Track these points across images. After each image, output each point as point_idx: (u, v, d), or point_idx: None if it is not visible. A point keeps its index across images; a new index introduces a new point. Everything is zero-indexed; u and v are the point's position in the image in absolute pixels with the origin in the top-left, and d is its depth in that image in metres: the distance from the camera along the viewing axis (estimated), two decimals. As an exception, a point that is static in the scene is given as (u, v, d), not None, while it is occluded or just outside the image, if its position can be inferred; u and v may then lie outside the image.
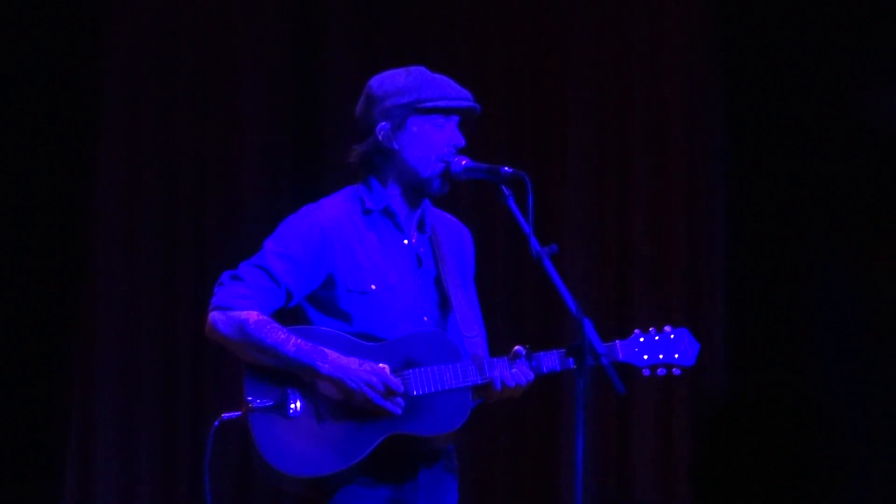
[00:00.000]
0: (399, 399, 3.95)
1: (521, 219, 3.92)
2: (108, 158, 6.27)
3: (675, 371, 4.13)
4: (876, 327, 5.79)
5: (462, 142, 4.08)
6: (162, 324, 6.24)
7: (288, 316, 4.07)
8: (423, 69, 4.14)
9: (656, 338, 4.14)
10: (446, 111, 4.07)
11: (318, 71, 6.40)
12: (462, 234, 4.26)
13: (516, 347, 4.06)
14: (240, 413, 3.95)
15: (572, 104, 6.19)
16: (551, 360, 4.04)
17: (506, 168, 4.00)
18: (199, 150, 6.33)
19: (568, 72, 6.20)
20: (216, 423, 3.99)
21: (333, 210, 4.09)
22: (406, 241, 4.12)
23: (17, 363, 6.13)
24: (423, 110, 4.06)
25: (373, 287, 4.04)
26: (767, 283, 5.94)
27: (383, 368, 3.96)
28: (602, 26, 6.19)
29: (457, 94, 4.10)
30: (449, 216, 4.26)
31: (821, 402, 5.49)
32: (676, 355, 4.12)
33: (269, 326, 3.94)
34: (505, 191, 3.98)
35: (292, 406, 3.94)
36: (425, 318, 4.10)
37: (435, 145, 4.06)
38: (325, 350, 3.94)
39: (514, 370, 4.00)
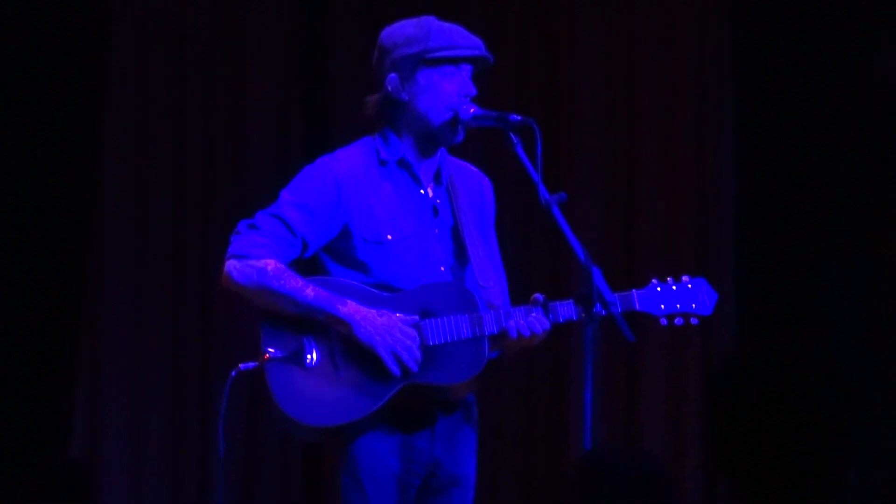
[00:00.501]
0: (415, 351, 3.94)
1: (529, 166, 3.92)
2: (115, 133, 6.23)
3: (693, 321, 4.10)
4: (888, 293, 5.78)
5: (473, 91, 4.05)
6: (169, 286, 6.23)
7: (306, 267, 4.07)
8: (433, 18, 4.11)
9: (674, 287, 4.10)
10: (455, 60, 4.04)
11: (326, 33, 6.37)
12: (482, 184, 4.24)
13: (535, 295, 4.03)
14: (256, 363, 3.95)
15: (582, 62, 6.16)
16: (568, 309, 3.98)
17: (514, 115, 3.99)
18: (208, 120, 6.29)
19: (578, 31, 6.17)
20: (233, 372, 3.98)
21: (349, 161, 4.08)
22: (423, 192, 4.10)
23: (23, 343, 6.13)
24: (431, 60, 4.03)
25: (389, 237, 4.03)
26: (777, 242, 5.92)
27: (400, 319, 3.95)
28: (611, 12, 6.15)
29: (467, 42, 4.07)
30: (469, 166, 4.24)
31: (831, 365, 5.49)
32: (694, 305, 4.08)
33: (286, 274, 3.94)
34: (514, 138, 3.98)
35: (309, 355, 3.94)
36: (442, 269, 4.08)
37: (445, 95, 4.03)
38: (345, 298, 3.94)
39: (530, 319, 3.97)
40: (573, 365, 5.92)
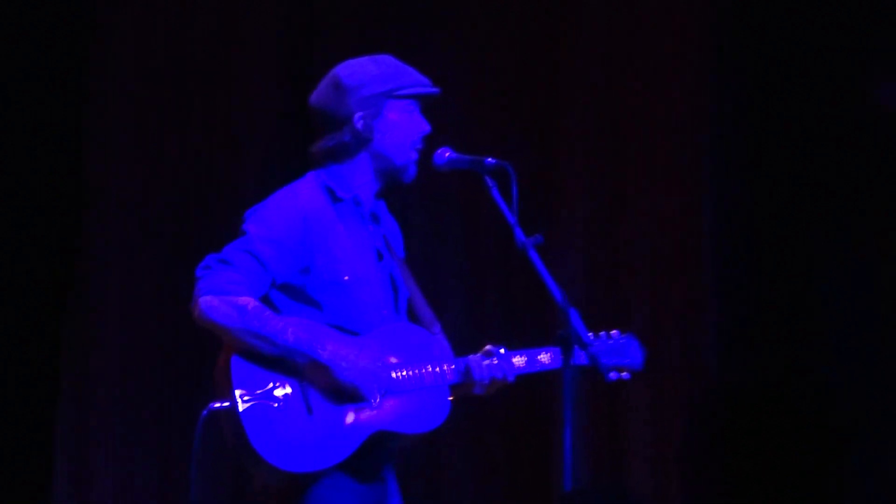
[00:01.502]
0: (391, 395, 3.95)
1: (505, 209, 3.92)
2: (101, 130, 6.27)
3: (625, 375, 4.20)
4: (872, 318, 5.79)
5: (429, 128, 4.11)
6: (160, 317, 6.24)
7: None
8: (389, 57, 4.15)
9: (607, 342, 4.22)
10: (418, 98, 4.10)
11: (310, 65, 6.40)
12: (398, 233, 4.28)
13: (488, 346, 4.11)
14: (228, 402, 3.88)
15: (567, 101, 6.18)
16: (521, 363, 4.12)
17: (489, 159, 4.00)
18: (197, 118, 6.33)
19: (564, 71, 6.20)
20: (204, 412, 3.92)
21: (310, 197, 4.07)
22: (369, 234, 4.13)
23: (8, 356, 6.14)
24: (400, 98, 4.08)
25: (345, 278, 4.03)
26: (759, 273, 5.95)
27: (376, 361, 3.96)
28: (598, 27, 6.18)
29: (425, 80, 4.13)
30: (388, 213, 4.26)
31: (815, 393, 5.51)
32: (627, 360, 4.19)
33: (266, 314, 3.89)
34: (489, 182, 3.98)
35: (282, 396, 3.90)
36: (384, 312, 4.10)
37: (409, 132, 4.08)
38: (325, 341, 3.91)
39: (495, 368, 4.05)
40: (554, 404, 5.92)
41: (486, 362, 4.05)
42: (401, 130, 4.08)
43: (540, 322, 5.95)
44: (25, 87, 6.21)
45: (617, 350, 4.21)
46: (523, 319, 6.05)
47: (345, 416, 3.93)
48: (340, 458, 3.92)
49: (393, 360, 4.00)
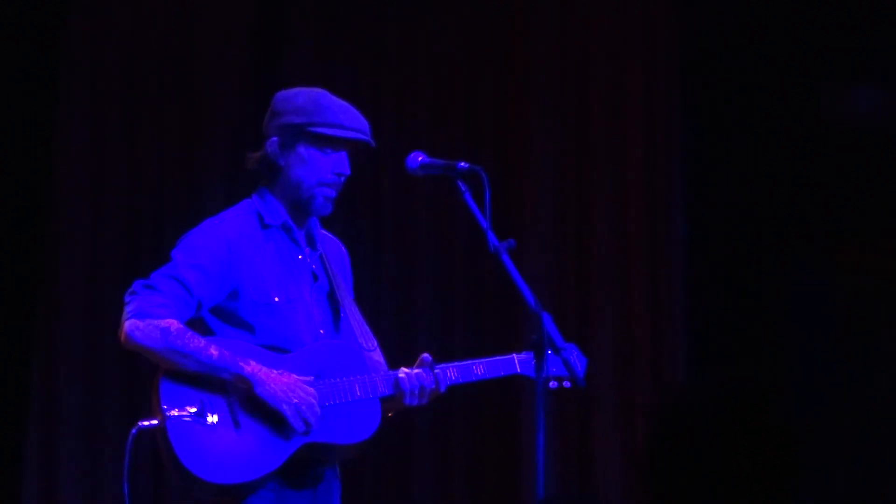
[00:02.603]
0: (315, 409, 3.98)
1: (478, 213, 3.92)
2: (67, 131, 6.24)
3: (566, 384, 4.20)
4: (837, 323, 5.81)
5: (348, 171, 4.13)
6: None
7: (190, 327, 4.06)
8: (324, 93, 4.18)
9: (549, 352, 4.21)
10: (335, 141, 4.12)
11: (279, 68, 6.39)
12: (342, 251, 4.33)
13: (423, 356, 4.15)
14: (157, 421, 3.92)
15: (533, 104, 6.18)
16: (453, 372, 4.15)
17: (462, 163, 4.00)
18: (161, 141, 6.31)
19: (529, 72, 6.20)
20: (133, 430, 3.93)
21: (236, 224, 4.14)
22: (300, 256, 4.18)
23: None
24: (312, 135, 4.11)
25: (276, 299, 4.09)
26: (729, 279, 5.95)
27: (299, 379, 3.99)
28: (563, 25, 6.19)
29: (352, 124, 4.14)
30: (328, 234, 4.31)
31: (784, 403, 5.51)
32: (565, 370, 4.12)
33: (188, 334, 3.97)
34: (461, 186, 3.99)
35: (209, 413, 3.95)
36: (321, 331, 4.15)
37: (317, 171, 4.11)
38: (247, 357, 3.98)
39: (424, 380, 4.10)
40: (524, 411, 5.92)
41: (416, 372, 4.11)
42: (308, 166, 4.12)
43: (509, 328, 5.95)
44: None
45: (558, 360, 4.21)
46: (492, 326, 6.04)
47: (271, 429, 3.98)
48: (269, 470, 3.96)
49: (321, 374, 4.04)
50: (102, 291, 6.22)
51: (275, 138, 4.12)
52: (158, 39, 6.36)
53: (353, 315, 4.20)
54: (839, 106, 5.86)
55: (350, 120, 4.13)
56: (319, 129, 4.09)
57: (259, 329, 4.06)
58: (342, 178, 4.13)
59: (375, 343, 4.21)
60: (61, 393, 6.14)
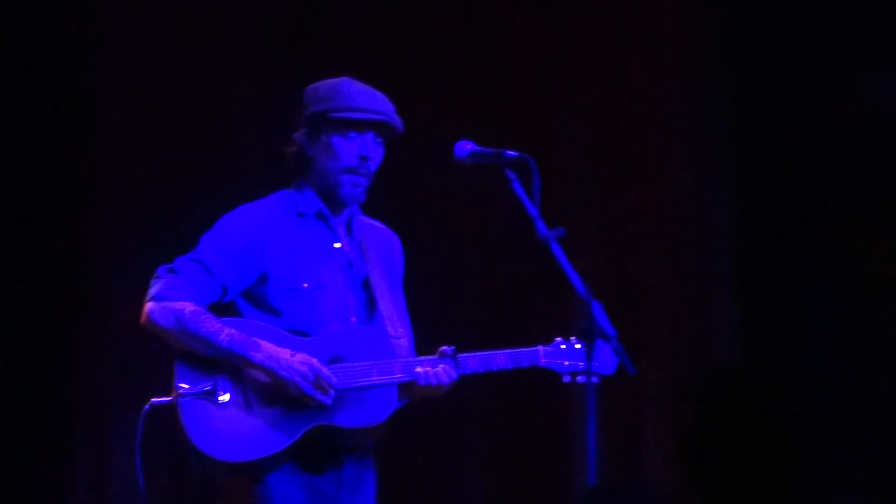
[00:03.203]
0: (328, 390, 4.01)
1: (527, 202, 3.92)
2: (111, 133, 6.26)
3: (594, 379, 4.15)
4: (867, 321, 5.79)
5: (369, 152, 4.14)
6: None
7: (220, 309, 4.14)
8: (346, 80, 4.21)
9: (577, 346, 4.27)
10: (355, 124, 4.14)
11: (312, 64, 6.39)
12: (392, 242, 4.36)
13: (442, 347, 4.16)
14: (170, 398, 4.03)
15: (577, 91, 6.17)
16: (474, 362, 4.16)
17: (510, 152, 4.01)
18: (200, 116, 6.32)
19: (572, 58, 6.18)
20: (146, 406, 4.06)
21: (268, 210, 4.19)
22: (338, 245, 4.21)
23: (25, 353, 6.14)
24: (333, 121, 4.13)
25: (304, 285, 4.13)
26: (777, 272, 5.93)
27: (314, 360, 4.02)
28: (604, 8, 6.16)
29: (370, 106, 4.15)
30: (379, 224, 4.34)
31: (830, 391, 5.51)
32: (596, 365, 4.10)
33: (203, 317, 4.03)
34: (510, 174, 3.99)
35: (221, 393, 4.01)
36: (353, 319, 4.18)
37: (342, 156, 4.14)
38: (258, 341, 4.02)
39: (438, 369, 4.11)
40: (574, 399, 5.90)
41: (432, 360, 4.13)
42: (332, 153, 4.15)
43: (553, 318, 5.94)
44: (31, 87, 6.21)
45: (583, 355, 4.21)
46: (535, 316, 6.03)
47: (283, 410, 4.02)
48: (278, 448, 4.00)
49: (338, 358, 4.07)
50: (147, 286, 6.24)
51: (303, 130, 4.18)
52: (186, 32, 6.36)
53: (389, 303, 4.21)
54: (891, 92, 5.83)
55: (370, 102, 4.15)
56: (338, 115, 4.13)
57: (286, 314, 4.11)
58: (368, 162, 4.14)
59: (406, 331, 4.23)
60: (111, 386, 6.17)
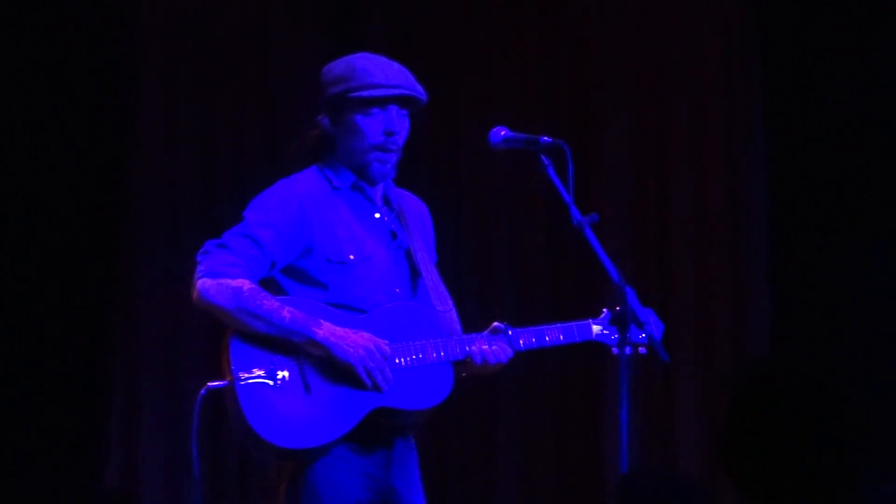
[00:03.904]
0: (388, 373, 3.94)
1: (561, 188, 3.90)
2: (145, 141, 6.29)
3: (641, 350, 4.09)
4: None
5: (394, 127, 4.07)
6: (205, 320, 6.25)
7: (262, 286, 4.04)
8: (362, 55, 4.15)
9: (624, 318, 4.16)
10: (377, 101, 4.07)
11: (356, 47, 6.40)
12: (423, 211, 4.28)
13: (495, 323, 4.10)
14: (226, 382, 3.91)
15: (611, 79, 6.16)
16: (528, 337, 4.09)
17: (545, 138, 3.99)
18: (237, 123, 6.35)
19: (607, 48, 6.17)
20: (202, 391, 3.94)
21: (307, 183, 4.11)
22: (378, 215, 4.14)
23: (58, 344, 6.17)
24: (353, 101, 4.07)
25: (351, 257, 4.04)
26: (809, 260, 5.90)
27: (375, 338, 3.95)
28: (641, 12, 6.14)
29: (390, 81, 4.08)
30: (408, 193, 4.27)
31: (866, 383, 5.48)
32: (642, 335, 4.02)
33: (262, 295, 3.93)
34: (544, 160, 3.97)
35: (280, 375, 3.92)
36: (397, 290, 4.10)
37: (367, 135, 4.07)
38: (320, 320, 3.93)
39: (494, 347, 4.04)
40: (608, 387, 5.90)
41: (487, 336, 4.06)
42: (357, 132, 4.08)
43: (586, 302, 5.92)
44: (69, 93, 6.24)
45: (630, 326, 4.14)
46: (569, 300, 6.02)
47: (342, 393, 3.93)
48: (337, 435, 3.92)
49: (394, 337, 3.99)
50: (182, 265, 6.27)
51: (324, 112, 4.12)
52: (232, 19, 6.38)
53: (431, 274, 4.15)
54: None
55: (389, 77, 4.08)
56: (358, 94, 4.05)
57: (332, 287, 4.02)
58: (395, 137, 4.07)
59: (451, 304, 4.15)
60: (142, 368, 6.20)
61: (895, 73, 5.81)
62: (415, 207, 4.25)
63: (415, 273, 4.15)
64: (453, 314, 4.15)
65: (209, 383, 3.93)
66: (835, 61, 5.86)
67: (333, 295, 4.02)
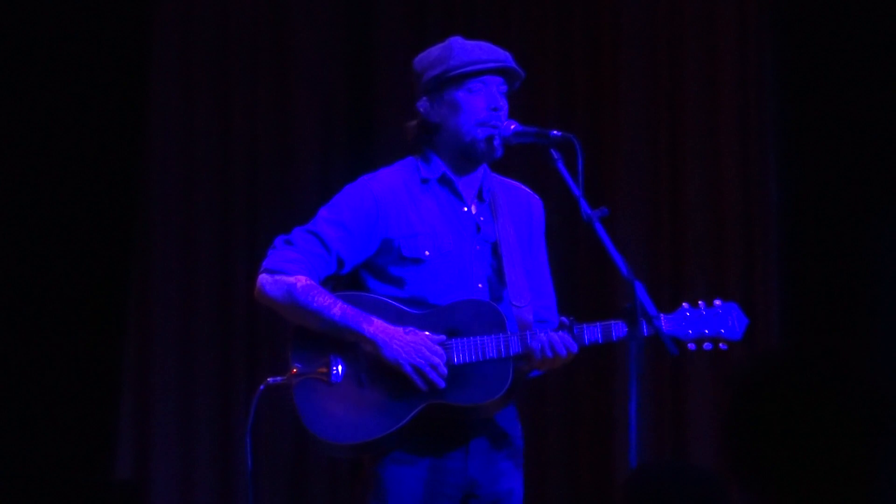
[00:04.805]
0: (441, 369, 3.94)
1: (570, 182, 3.90)
2: (160, 134, 6.31)
3: (722, 346, 4.07)
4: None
5: (501, 103, 4.06)
6: (216, 301, 6.27)
7: (347, 283, 4.10)
8: (457, 39, 4.14)
9: (703, 312, 4.09)
10: (478, 74, 4.06)
11: (371, 42, 6.40)
12: (531, 203, 4.24)
13: (562, 318, 4.06)
14: (283, 378, 3.97)
15: (625, 75, 6.14)
16: (594, 332, 4.01)
17: (555, 131, 3.99)
18: (252, 122, 6.35)
19: (621, 43, 6.16)
20: (261, 386, 3.99)
21: (389, 178, 4.11)
22: (465, 209, 4.12)
23: (71, 343, 6.18)
24: (454, 78, 4.06)
25: (427, 253, 4.05)
26: (821, 253, 5.89)
27: (428, 337, 3.95)
28: (654, 27, 6.13)
29: (488, 56, 4.08)
30: (517, 184, 4.25)
31: (876, 377, 5.45)
32: (723, 330, 4.06)
33: (315, 290, 3.96)
34: (554, 154, 3.97)
35: (334, 371, 3.95)
36: (480, 285, 4.08)
37: (472, 111, 4.05)
38: (371, 316, 3.95)
39: (555, 340, 3.97)
40: (617, 380, 5.90)
41: (548, 332, 3.99)
42: (460, 110, 4.06)
43: (601, 300, 5.92)
44: (84, 93, 6.25)
45: (713, 320, 4.08)
46: (583, 294, 6.02)
47: (395, 390, 3.95)
48: (389, 430, 3.93)
49: (456, 331, 3.98)
50: (196, 263, 6.28)
51: (423, 98, 4.10)
52: (249, 15, 6.39)
53: (517, 268, 4.10)
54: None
55: (485, 53, 4.08)
56: (457, 71, 4.05)
57: (409, 283, 4.04)
58: (499, 112, 4.05)
59: (528, 299, 4.09)
60: (155, 369, 6.21)
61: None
62: (517, 198, 4.22)
63: (500, 267, 4.11)
64: (529, 311, 4.08)
65: (269, 378, 4.00)
66: (848, 49, 5.84)
67: (409, 291, 4.04)
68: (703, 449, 5.89)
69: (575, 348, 3.98)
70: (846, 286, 5.82)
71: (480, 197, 4.14)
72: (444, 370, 3.94)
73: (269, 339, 6.17)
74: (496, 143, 4.06)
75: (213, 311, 6.25)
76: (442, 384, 3.93)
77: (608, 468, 5.96)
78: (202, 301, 6.26)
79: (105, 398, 6.17)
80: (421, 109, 4.10)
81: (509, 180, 4.24)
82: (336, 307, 3.94)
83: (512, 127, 4.05)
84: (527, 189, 4.26)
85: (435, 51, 4.13)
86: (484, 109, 4.05)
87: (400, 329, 3.95)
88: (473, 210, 4.13)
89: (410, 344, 3.93)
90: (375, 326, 3.93)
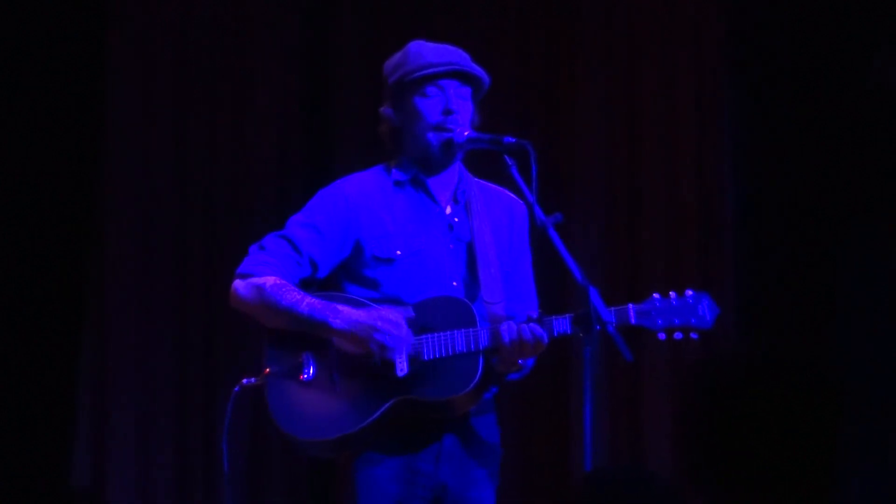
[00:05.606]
0: (407, 334, 3.93)
1: (524, 188, 3.92)
2: (117, 140, 6.28)
3: (692, 335, 4.05)
4: (889, 303, 5.78)
5: (456, 107, 4.07)
6: (173, 306, 6.26)
7: (323, 287, 4.11)
8: (415, 42, 4.16)
9: (674, 302, 4.07)
10: (432, 78, 4.07)
11: (330, 50, 6.40)
12: (512, 207, 4.23)
13: (529, 313, 4.04)
14: (257, 379, 3.99)
15: (582, 78, 6.16)
16: (562, 324, 3.96)
17: (508, 137, 3.99)
18: (210, 133, 6.34)
19: (578, 46, 6.18)
20: (236, 388, 4.01)
21: (362, 181, 4.14)
22: (438, 209, 4.13)
23: (26, 348, 6.16)
24: (410, 83, 4.08)
25: (398, 253, 4.06)
26: (779, 253, 5.92)
27: (388, 311, 3.95)
28: (615, 11, 6.15)
29: (441, 58, 4.09)
30: (501, 189, 4.24)
31: (830, 377, 5.48)
32: (693, 319, 4.04)
33: (285, 288, 3.98)
34: (508, 160, 3.98)
35: (306, 370, 3.96)
36: (454, 283, 4.09)
37: (426, 116, 4.07)
38: (338, 306, 3.95)
39: (525, 330, 3.93)
40: (573, 384, 5.91)
41: (516, 322, 3.95)
42: (416, 115, 4.08)
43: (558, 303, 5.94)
44: (40, 89, 6.23)
45: (683, 310, 4.06)
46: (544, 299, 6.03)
47: (365, 386, 3.95)
48: (359, 426, 3.92)
49: (426, 328, 3.97)
50: (153, 272, 6.27)
51: (387, 103, 4.13)
52: (209, 17, 6.38)
53: (491, 267, 4.09)
54: (891, 76, 5.82)
55: (441, 56, 4.10)
56: (413, 76, 4.07)
57: (382, 284, 4.05)
58: (454, 116, 4.05)
59: (501, 296, 4.07)
60: (111, 373, 6.20)
61: (864, 77, 5.83)
62: (498, 202, 4.22)
63: (473, 266, 4.10)
64: (502, 307, 4.06)
65: (243, 380, 4.01)
66: (806, 52, 5.88)
67: (383, 291, 4.05)
68: (659, 451, 5.91)
69: (545, 337, 3.92)
70: (802, 284, 5.85)
71: (455, 199, 4.16)
72: (420, 364, 3.93)
73: (227, 343, 6.16)
74: (451, 147, 4.07)
75: (170, 315, 6.24)
76: (414, 377, 3.91)
77: (564, 470, 5.97)
78: (159, 305, 6.25)
79: (61, 403, 6.14)
80: (386, 114, 4.13)
81: (493, 185, 4.24)
82: (304, 303, 3.95)
83: (465, 133, 4.06)
84: (511, 194, 4.24)
85: (398, 55, 4.16)
86: (438, 114, 4.07)
87: (363, 311, 3.94)
88: (448, 210, 4.14)
89: (368, 315, 3.92)
90: (341, 317, 3.93)
